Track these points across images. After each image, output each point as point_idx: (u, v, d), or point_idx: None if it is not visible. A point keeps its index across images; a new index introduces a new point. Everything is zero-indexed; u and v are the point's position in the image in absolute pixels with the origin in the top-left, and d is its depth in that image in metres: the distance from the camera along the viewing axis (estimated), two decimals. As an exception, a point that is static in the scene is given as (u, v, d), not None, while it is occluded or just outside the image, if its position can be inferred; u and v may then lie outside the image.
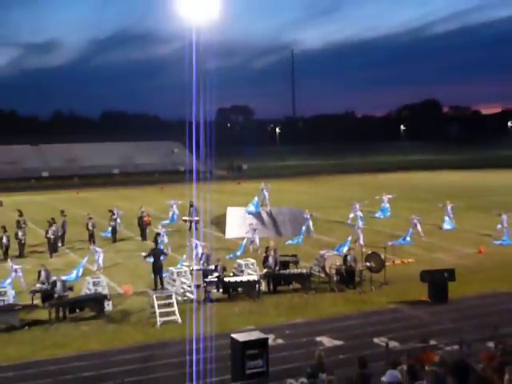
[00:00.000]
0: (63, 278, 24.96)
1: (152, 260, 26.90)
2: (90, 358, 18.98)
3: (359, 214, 42.19)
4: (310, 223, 38.86)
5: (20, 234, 34.68)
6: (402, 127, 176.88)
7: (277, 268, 26.75)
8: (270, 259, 26.91)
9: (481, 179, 79.42)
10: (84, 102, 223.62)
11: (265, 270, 26.70)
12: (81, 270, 28.84)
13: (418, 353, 13.25)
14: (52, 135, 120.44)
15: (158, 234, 32.53)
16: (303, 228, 38.00)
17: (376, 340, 19.71)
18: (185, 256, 29.66)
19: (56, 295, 23.15)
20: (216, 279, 24.95)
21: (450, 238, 37.19)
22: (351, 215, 42.78)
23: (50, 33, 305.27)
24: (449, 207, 41.73)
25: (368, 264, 26.73)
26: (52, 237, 34.46)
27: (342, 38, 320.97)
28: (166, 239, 33.95)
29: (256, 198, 41.20)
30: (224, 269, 25.79)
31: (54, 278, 24.38)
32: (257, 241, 34.44)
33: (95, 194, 72.84)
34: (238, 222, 39.34)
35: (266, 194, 43.02)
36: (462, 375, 6.91)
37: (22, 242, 34.54)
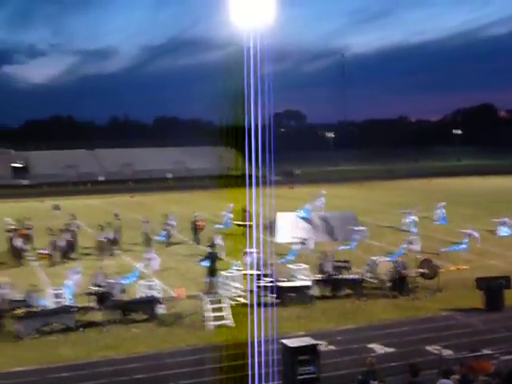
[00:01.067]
0: (120, 280, 25.37)
1: (206, 264, 27.08)
2: (141, 360, 19.26)
3: (413, 219, 41.81)
4: (365, 229, 38.69)
5: (68, 235, 35.26)
6: (456, 132, 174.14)
7: (333, 273, 26.65)
8: (328, 264, 26.83)
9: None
10: (138, 107, 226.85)
11: (318, 276, 26.68)
12: (137, 274, 29.20)
13: (471, 362, 13.08)
14: (107, 140, 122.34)
15: (213, 239, 32.80)
16: (356, 235, 37.65)
17: (429, 348, 19.51)
18: (237, 261, 29.83)
19: (112, 298, 23.54)
20: (270, 284, 25.01)
21: (505, 245, 36.55)
22: (406, 220, 42.29)
23: (106, 40, 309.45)
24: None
25: (421, 270, 26.49)
26: (104, 240, 35.01)
27: (394, 42, 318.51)
28: (221, 244, 34.21)
29: (308, 204, 41.12)
30: (278, 273, 25.85)
31: (111, 280, 24.77)
32: (310, 245, 34.35)
33: (149, 198, 73.64)
34: (289, 227, 39.36)
35: (322, 199, 42.93)
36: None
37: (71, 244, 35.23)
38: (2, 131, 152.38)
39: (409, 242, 33.72)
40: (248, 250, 30.27)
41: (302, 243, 34.48)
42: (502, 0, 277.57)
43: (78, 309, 22.85)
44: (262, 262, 27.16)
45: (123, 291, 24.17)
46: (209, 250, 26.57)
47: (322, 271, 27.02)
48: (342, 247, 36.10)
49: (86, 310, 23.94)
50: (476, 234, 36.27)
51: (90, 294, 24.56)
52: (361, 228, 38.56)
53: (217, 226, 43.06)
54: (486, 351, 16.78)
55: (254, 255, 28.95)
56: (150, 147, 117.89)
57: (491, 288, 23.85)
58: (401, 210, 44.46)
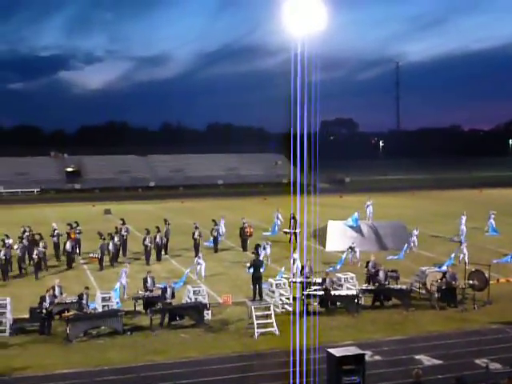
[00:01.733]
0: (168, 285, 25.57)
1: (252, 270, 27.13)
2: (188, 365, 19.39)
3: (464, 228, 41.26)
4: (415, 239, 38.31)
5: (116, 239, 35.70)
6: (510, 142, 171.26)
7: (383, 283, 26.41)
8: (381, 273, 26.62)
9: None
10: (191, 113, 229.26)
11: (366, 285, 26.55)
12: (184, 279, 29.42)
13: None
14: (160, 146, 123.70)
15: (259, 245, 32.79)
16: (406, 244, 37.21)
17: (477, 361, 19.22)
18: (283, 268, 29.83)
19: (159, 303, 23.74)
20: (317, 292, 24.94)
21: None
22: (460, 228, 41.62)
23: (160, 46, 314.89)
24: None
25: (471, 282, 26.09)
26: (149, 245, 35.33)
27: (449, 50, 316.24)
28: (268, 251, 34.29)
29: (356, 213, 40.87)
30: (332, 282, 25.74)
31: (164, 284, 24.95)
32: (357, 254, 34.20)
33: (200, 203, 74.10)
34: (339, 236, 39.22)
35: (371, 208, 42.64)
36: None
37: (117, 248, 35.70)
38: (57, 136, 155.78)
39: (459, 252, 33.22)
40: (295, 257, 30.25)
41: (351, 252, 34.31)
42: None
43: (125, 312, 23.11)
44: (308, 270, 27.10)
45: (171, 296, 24.30)
46: (253, 256, 26.59)
47: (370, 280, 26.83)
48: (391, 257, 35.77)
49: (133, 313, 24.25)
50: None
51: (137, 298, 24.84)
52: (413, 237, 38.15)
53: (264, 233, 43.11)
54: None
55: (299, 263, 28.94)
56: (202, 153, 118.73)
57: (543, 301, 23.37)
58: (453, 219, 43.77)
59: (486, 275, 26.20)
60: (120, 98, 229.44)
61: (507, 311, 24.55)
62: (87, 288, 23.96)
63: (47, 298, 22.90)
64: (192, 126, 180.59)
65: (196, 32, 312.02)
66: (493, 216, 45.77)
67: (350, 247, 34.54)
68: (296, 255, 30.29)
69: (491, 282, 26.76)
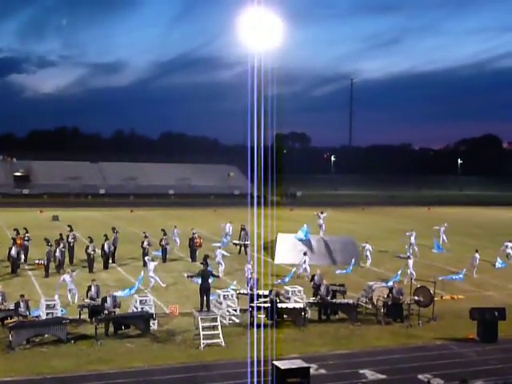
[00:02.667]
0: (115, 293, 25.29)
1: (199, 281, 26.99)
2: (133, 375, 19.17)
3: (413, 244, 41.89)
4: (369, 254, 38.72)
5: (61, 246, 35.10)
6: (459, 161, 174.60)
7: (328, 297, 26.54)
8: (322, 288, 26.76)
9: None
10: (145, 122, 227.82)
11: (312, 298, 26.64)
12: (132, 288, 29.09)
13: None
14: (112, 154, 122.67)
15: (207, 256, 32.57)
16: (353, 259, 37.50)
17: (420, 376, 19.43)
18: (235, 282, 29.79)
19: (105, 311, 23.43)
20: (265, 304, 24.90)
21: (502, 276, 36.44)
22: (406, 247, 42.20)
23: (116, 54, 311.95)
24: (505, 246, 40.92)
25: (416, 298, 26.40)
26: (92, 253, 34.88)
27: (403, 70, 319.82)
28: (219, 261, 34.22)
29: (306, 226, 41.05)
30: (277, 294, 25.70)
31: (105, 293, 24.67)
32: (308, 268, 34.26)
33: (150, 213, 73.68)
34: (288, 248, 39.35)
35: (322, 222, 42.94)
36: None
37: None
38: (7, 139, 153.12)
39: (405, 267, 33.59)
40: (245, 269, 30.24)
41: (300, 265, 34.40)
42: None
43: (69, 320, 22.74)
44: (257, 282, 27.12)
45: (117, 305, 24.02)
46: (202, 267, 26.44)
47: (318, 294, 26.92)
48: (340, 271, 36.03)
49: (78, 322, 23.89)
50: (476, 259, 36.31)
51: (83, 306, 24.49)
52: (365, 252, 38.55)
53: (214, 244, 43.02)
54: (477, 382, 16.67)
55: (250, 275, 28.90)
56: (155, 162, 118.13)
57: (485, 319, 23.75)
58: (406, 233, 44.27)
59: (431, 292, 26.56)
60: (73, 103, 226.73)
61: (451, 327, 24.90)
62: (23, 296, 23.48)
63: (-11, 304, 22.44)
64: (145, 135, 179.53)
65: (152, 41, 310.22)
66: (443, 229, 46.62)
67: (300, 261, 34.61)
68: (246, 267, 30.20)
69: (436, 299, 27.15)
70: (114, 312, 23.59)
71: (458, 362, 21.14)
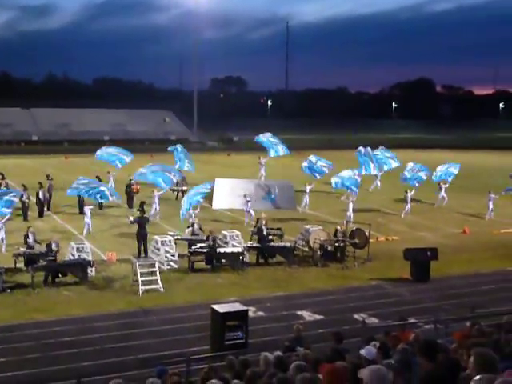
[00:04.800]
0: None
1: (136, 227, 26.88)
2: (71, 322, 19.09)
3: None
4: (307, 197, 38.90)
5: None
6: (393, 105, 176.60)
7: (266, 240, 26.76)
8: (265, 231, 26.98)
9: (472, 160, 79.33)
10: (78, 66, 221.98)
11: (250, 243, 26.83)
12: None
13: (396, 330, 13.36)
14: (44, 99, 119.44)
15: (144, 203, 32.31)
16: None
17: (356, 316, 19.92)
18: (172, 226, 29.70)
19: (41, 260, 23.11)
20: (203, 249, 24.97)
21: (436, 217, 37.35)
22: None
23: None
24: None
25: (352, 240, 26.89)
26: (27, 201, 34.19)
27: (338, 13, 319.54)
28: (156, 207, 34.16)
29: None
30: (214, 240, 25.66)
31: (41, 241, 24.31)
32: (252, 212, 34.14)
33: (84, 159, 72.44)
34: (226, 193, 39.24)
35: (262, 167, 42.85)
36: (430, 354, 6.96)
37: None
38: None
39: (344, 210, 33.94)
40: (182, 215, 30.11)
41: (245, 210, 34.37)
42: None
43: (5, 269, 22.41)
44: (196, 228, 27.14)
45: (53, 253, 23.70)
46: (138, 213, 26.30)
47: (258, 238, 27.09)
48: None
49: (14, 271, 23.55)
50: (407, 207, 37.08)
51: (18, 254, 24.11)
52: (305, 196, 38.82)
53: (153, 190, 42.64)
54: (410, 320, 17.15)
55: (189, 220, 28.88)
56: (89, 108, 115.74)
57: (418, 259, 24.41)
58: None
59: (367, 233, 27.07)
60: (1, 47, 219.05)
61: (385, 268, 25.52)
62: None
63: None
64: (78, 80, 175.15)
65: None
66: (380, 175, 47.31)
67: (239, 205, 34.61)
68: (191, 211, 29.93)
69: (371, 240, 27.71)
70: (55, 259, 23.27)
71: (392, 301, 21.76)
